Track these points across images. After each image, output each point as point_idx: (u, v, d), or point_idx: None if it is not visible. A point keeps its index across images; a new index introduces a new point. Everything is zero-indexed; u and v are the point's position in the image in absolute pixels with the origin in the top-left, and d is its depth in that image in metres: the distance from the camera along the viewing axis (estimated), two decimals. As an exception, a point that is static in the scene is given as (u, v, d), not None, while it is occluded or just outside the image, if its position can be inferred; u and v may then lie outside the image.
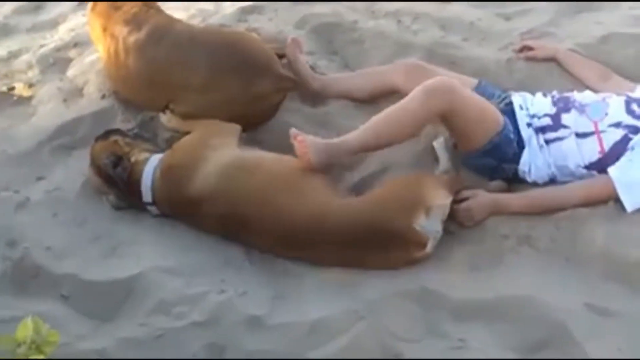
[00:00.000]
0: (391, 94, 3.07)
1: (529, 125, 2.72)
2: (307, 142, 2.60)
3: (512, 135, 2.70)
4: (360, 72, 3.31)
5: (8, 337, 1.59)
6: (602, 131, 2.64)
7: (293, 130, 2.66)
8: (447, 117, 2.66)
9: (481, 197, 2.62)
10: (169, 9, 3.46)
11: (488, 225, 2.60)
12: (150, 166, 2.70)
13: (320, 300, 2.35)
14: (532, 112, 2.75)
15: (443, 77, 2.77)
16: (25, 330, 1.58)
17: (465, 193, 2.63)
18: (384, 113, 2.67)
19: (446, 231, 2.58)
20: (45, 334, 1.59)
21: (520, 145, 2.71)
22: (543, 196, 2.63)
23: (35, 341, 1.56)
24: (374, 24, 3.63)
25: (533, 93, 2.89)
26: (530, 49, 3.24)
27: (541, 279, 2.39)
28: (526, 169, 2.71)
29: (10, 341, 1.58)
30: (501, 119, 2.72)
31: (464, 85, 2.80)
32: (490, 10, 3.71)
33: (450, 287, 2.35)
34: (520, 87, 3.06)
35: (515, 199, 2.64)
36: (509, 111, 2.77)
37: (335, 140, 2.69)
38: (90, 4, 3.34)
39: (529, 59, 3.21)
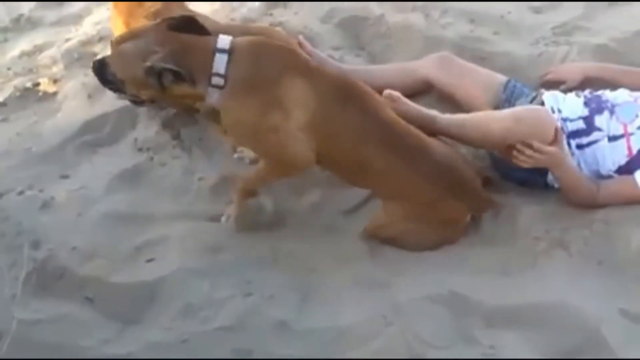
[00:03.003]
0: (424, 89, 3.02)
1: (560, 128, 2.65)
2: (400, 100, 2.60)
3: None
4: (390, 66, 3.25)
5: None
6: (631, 134, 2.57)
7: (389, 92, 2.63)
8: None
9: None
10: (193, 3, 3.42)
11: (520, 227, 2.54)
12: None
13: (348, 303, 2.31)
14: (564, 114, 2.66)
15: (537, 107, 2.66)
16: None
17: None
18: (476, 116, 2.63)
19: (476, 231, 2.53)
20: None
21: None
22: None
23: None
24: (401, 17, 3.56)
25: (565, 91, 2.82)
26: (555, 82, 3.01)
27: (574, 284, 2.33)
28: None
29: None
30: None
31: (492, 84, 2.85)
32: (521, 3, 3.64)
33: (481, 292, 2.30)
34: (551, 84, 2.98)
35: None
36: None
37: (426, 111, 2.64)
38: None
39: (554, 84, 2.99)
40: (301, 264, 2.53)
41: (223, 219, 2.63)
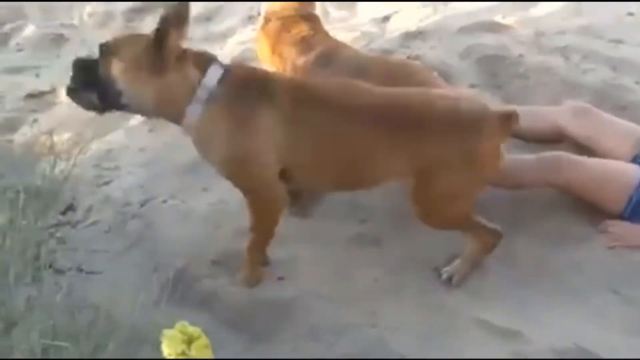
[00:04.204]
0: (556, 137, 3.01)
1: None
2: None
3: None
4: (525, 108, 3.24)
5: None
6: None
7: None
8: (565, 192, 2.76)
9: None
10: (334, 28, 3.51)
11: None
12: None
13: (475, 347, 2.32)
14: None
15: (559, 153, 2.78)
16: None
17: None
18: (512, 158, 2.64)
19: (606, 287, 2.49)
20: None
21: None
22: None
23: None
24: (541, 59, 3.56)
25: None
26: None
27: None
28: None
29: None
30: (635, 175, 2.66)
31: (630, 137, 2.82)
32: (667, 54, 3.55)
33: (611, 350, 2.25)
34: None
35: None
36: None
37: None
38: (261, 22, 3.46)
39: None
40: (429, 299, 2.55)
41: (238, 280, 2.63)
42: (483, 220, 2.54)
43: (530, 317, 2.43)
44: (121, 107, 2.42)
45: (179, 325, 1.57)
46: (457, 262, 2.60)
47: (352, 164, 2.42)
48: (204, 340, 1.57)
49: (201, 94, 2.34)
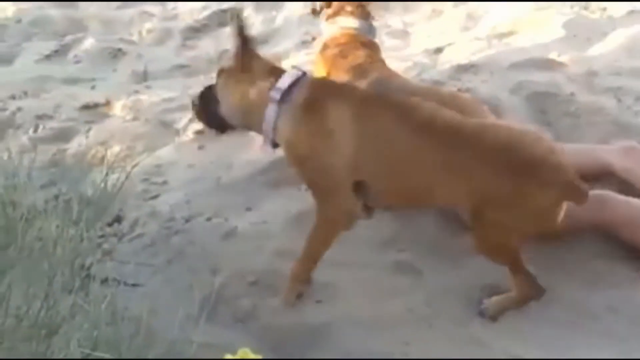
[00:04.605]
0: (603, 175, 2.98)
1: None
2: None
3: None
4: (574, 145, 3.22)
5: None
6: None
7: None
8: (609, 230, 2.71)
9: None
10: (387, 57, 3.53)
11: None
12: None
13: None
14: None
15: (605, 191, 2.76)
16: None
17: None
18: None
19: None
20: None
21: None
22: None
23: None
24: (593, 99, 3.53)
25: None
26: None
27: None
28: None
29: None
30: None
31: None
32: None
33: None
34: None
35: None
36: None
37: None
38: (320, 47, 3.49)
39: None
40: (460, 330, 2.54)
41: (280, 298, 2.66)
42: (530, 270, 2.55)
43: (565, 357, 2.40)
44: (221, 120, 2.66)
45: (241, 351, 1.60)
46: (495, 298, 2.59)
47: (416, 180, 2.47)
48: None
49: (274, 94, 2.49)
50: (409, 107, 2.47)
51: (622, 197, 2.74)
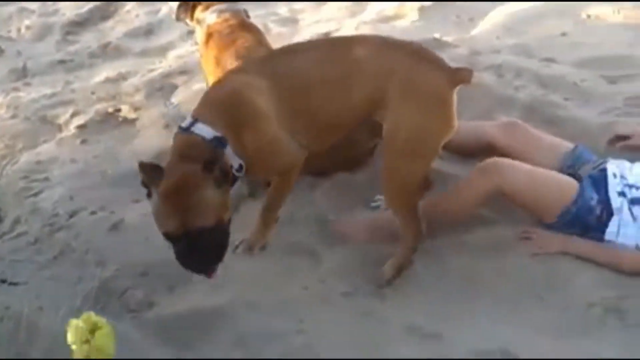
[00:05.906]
0: (486, 150, 3.05)
1: (621, 194, 2.66)
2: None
3: (592, 202, 2.65)
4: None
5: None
6: None
7: None
8: (505, 196, 2.72)
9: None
10: (276, 44, 3.48)
11: (576, 291, 2.53)
12: None
13: (399, 349, 2.31)
14: (630, 181, 2.67)
15: (497, 158, 2.78)
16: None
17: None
18: (607, 254, 2.65)
19: (531, 292, 2.53)
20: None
21: (608, 212, 2.65)
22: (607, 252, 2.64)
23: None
24: (474, 75, 3.60)
25: (633, 161, 2.81)
26: (624, 138, 3.07)
27: (626, 355, 2.29)
28: (613, 238, 2.65)
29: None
30: (573, 188, 2.69)
31: (557, 151, 2.86)
32: (595, 72, 3.65)
33: (534, 353, 2.27)
34: (620, 154, 2.97)
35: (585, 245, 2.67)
36: (601, 178, 2.72)
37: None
38: (203, 38, 3.41)
39: (625, 149, 3.03)
40: (357, 306, 2.54)
41: (240, 247, 2.71)
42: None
43: (456, 322, 2.44)
44: None
45: (84, 315, 1.58)
46: (388, 262, 2.63)
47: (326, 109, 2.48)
48: (107, 329, 1.58)
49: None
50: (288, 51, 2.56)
51: (513, 162, 2.78)
